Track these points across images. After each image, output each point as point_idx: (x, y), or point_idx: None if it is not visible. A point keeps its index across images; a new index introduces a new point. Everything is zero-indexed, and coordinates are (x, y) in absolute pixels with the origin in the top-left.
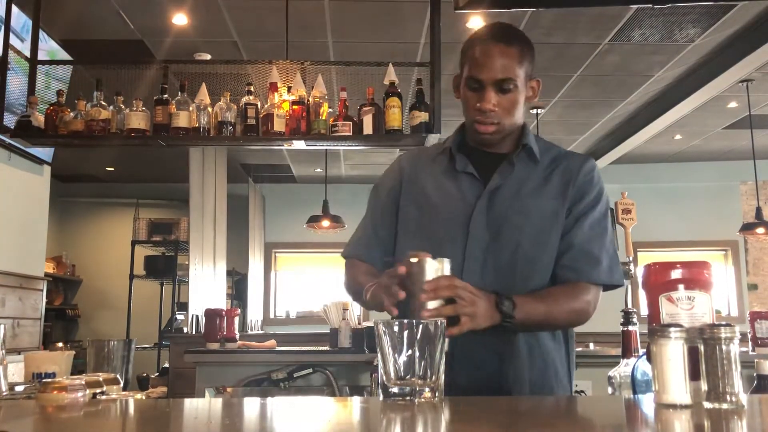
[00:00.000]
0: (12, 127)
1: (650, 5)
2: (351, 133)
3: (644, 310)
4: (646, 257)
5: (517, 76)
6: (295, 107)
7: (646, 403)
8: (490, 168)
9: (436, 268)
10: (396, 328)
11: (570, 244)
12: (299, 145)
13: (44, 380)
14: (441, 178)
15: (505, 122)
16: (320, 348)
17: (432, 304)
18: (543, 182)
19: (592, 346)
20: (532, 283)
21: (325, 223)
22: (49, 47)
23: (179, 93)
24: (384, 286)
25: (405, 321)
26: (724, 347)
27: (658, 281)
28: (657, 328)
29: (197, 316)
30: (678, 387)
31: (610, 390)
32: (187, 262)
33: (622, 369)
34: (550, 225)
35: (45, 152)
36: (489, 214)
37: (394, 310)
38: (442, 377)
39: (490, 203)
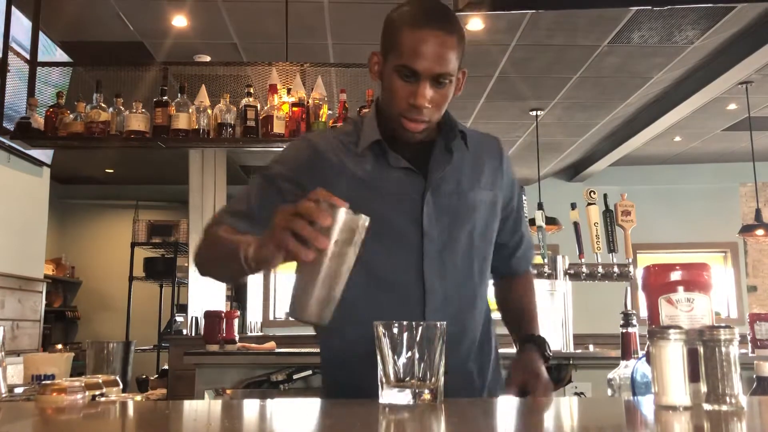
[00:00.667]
0: (12, 129)
1: (649, 7)
2: None
3: (644, 312)
4: (645, 259)
5: (455, 69)
6: (294, 109)
7: (646, 405)
8: (420, 157)
9: (352, 225)
10: (396, 330)
11: (521, 235)
12: None
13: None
14: (374, 171)
15: (434, 118)
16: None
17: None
18: (476, 171)
19: (591, 348)
20: (486, 281)
21: None
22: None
23: (179, 95)
24: (285, 227)
25: (405, 323)
26: (723, 349)
27: (658, 283)
28: (656, 330)
29: (197, 318)
30: (677, 389)
31: (609, 392)
32: (186, 264)
33: (622, 371)
34: (492, 218)
35: (44, 154)
36: (436, 212)
37: (310, 254)
38: (442, 379)
39: (435, 199)
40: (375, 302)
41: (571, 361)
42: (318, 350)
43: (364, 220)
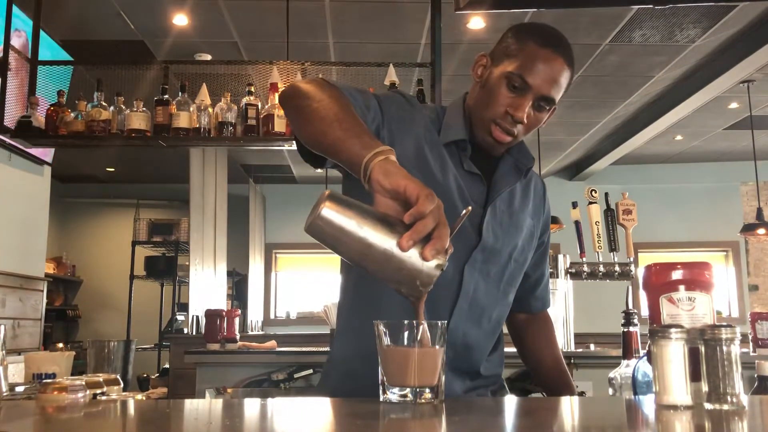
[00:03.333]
0: (12, 128)
1: (651, 6)
2: None
3: (645, 311)
4: (646, 258)
5: (557, 99)
6: None
7: (647, 404)
8: (483, 168)
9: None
10: (396, 328)
11: (542, 273)
12: None
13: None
14: (446, 166)
15: (519, 137)
16: (321, 349)
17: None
18: (526, 198)
19: (592, 347)
20: (508, 304)
21: None
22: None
23: (180, 93)
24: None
25: (406, 321)
26: (724, 348)
27: (659, 282)
28: (658, 329)
29: (197, 317)
30: (679, 388)
31: (610, 391)
32: (187, 263)
33: (623, 370)
34: (529, 245)
35: (45, 153)
36: (493, 222)
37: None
38: (443, 378)
39: (492, 210)
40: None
41: (572, 361)
42: (322, 349)
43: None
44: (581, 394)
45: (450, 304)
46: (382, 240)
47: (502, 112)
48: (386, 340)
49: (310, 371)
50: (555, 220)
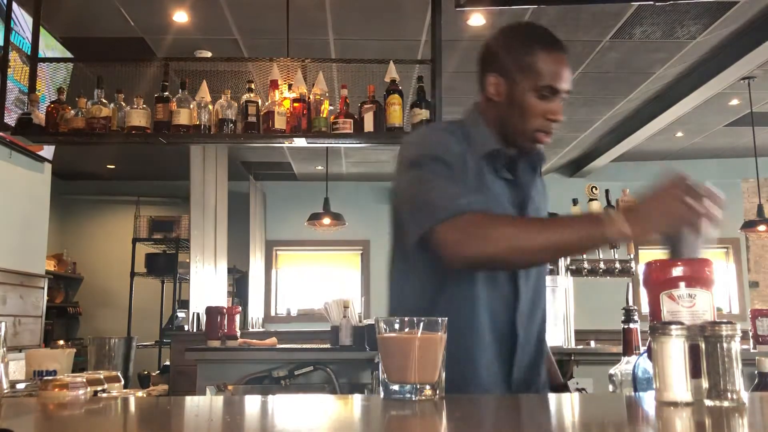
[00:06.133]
0: (13, 125)
1: (651, 2)
2: (352, 131)
3: (645, 308)
4: (647, 255)
5: None
6: (296, 105)
7: (647, 401)
8: (512, 170)
9: None
10: (397, 326)
11: None
12: (300, 142)
13: (45, 378)
14: (483, 176)
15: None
16: (321, 346)
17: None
18: (538, 192)
19: (593, 343)
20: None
21: (326, 220)
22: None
23: (180, 90)
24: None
25: (406, 318)
26: (725, 345)
27: (660, 279)
28: (658, 326)
29: (198, 314)
30: (679, 384)
31: (611, 388)
32: (188, 260)
33: (623, 367)
34: None
35: (46, 150)
36: None
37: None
38: (443, 375)
39: (528, 210)
40: (480, 295)
41: (573, 357)
42: (323, 346)
43: None
44: (581, 390)
45: (513, 302)
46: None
47: (542, 121)
48: (386, 336)
49: (311, 368)
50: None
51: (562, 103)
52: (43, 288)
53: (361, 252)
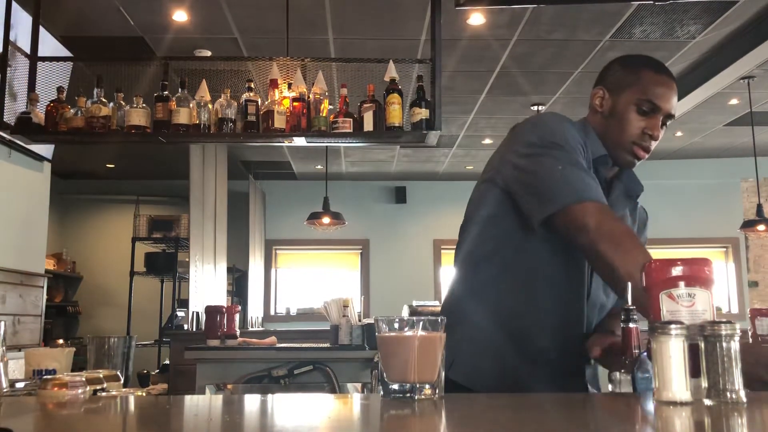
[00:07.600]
0: (12, 124)
1: (651, 2)
2: (351, 130)
3: None
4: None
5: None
6: (295, 104)
7: (647, 401)
8: (606, 193)
9: None
10: (397, 325)
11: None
12: (300, 141)
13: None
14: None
15: (650, 151)
16: (321, 345)
17: None
18: (632, 222)
19: None
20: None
21: (326, 219)
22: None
23: (179, 90)
24: None
25: (405, 317)
26: (724, 344)
27: (659, 278)
28: (657, 325)
29: (198, 313)
30: (678, 384)
31: (610, 387)
32: (187, 259)
33: None
34: None
35: (45, 149)
36: None
37: None
38: (443, 374)
39: None
40: (558, 291)
41: None
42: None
43: None
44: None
45: (582, 300)
46: None
47: (639, 134)
48: (386, 336)
49: (310, 367)
50: None
51: (663, 127)
52: (43, 287)
53: (360, 251)
